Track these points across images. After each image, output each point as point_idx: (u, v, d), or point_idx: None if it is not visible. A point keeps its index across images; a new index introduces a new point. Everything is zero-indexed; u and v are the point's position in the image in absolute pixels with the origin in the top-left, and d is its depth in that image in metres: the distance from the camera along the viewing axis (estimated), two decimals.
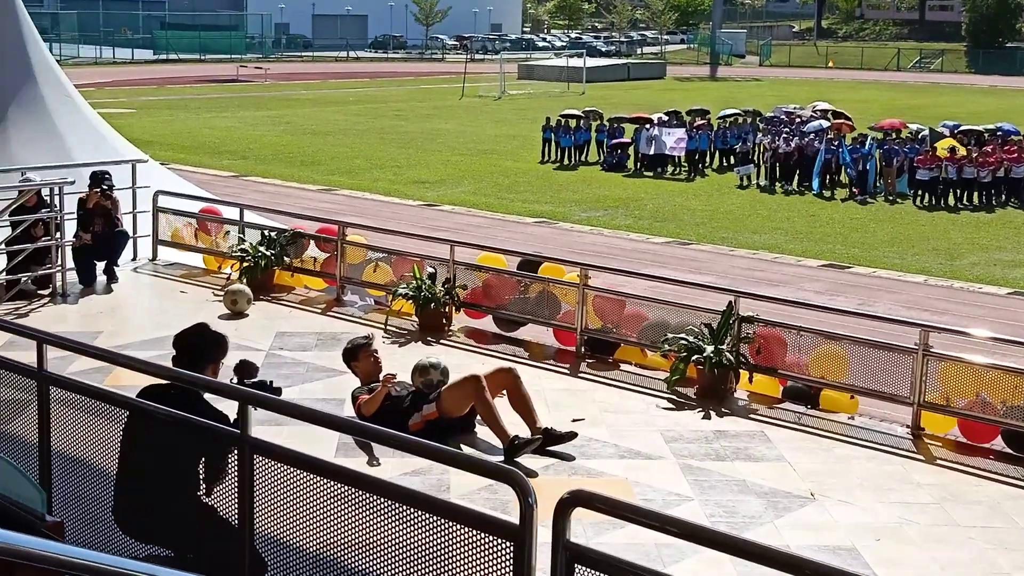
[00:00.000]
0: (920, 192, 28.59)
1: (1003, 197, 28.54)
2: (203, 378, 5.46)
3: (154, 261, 14.12)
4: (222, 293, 12.38)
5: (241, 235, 13.39)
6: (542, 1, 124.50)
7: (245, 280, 12.74)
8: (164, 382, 5.48)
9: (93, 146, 15.41)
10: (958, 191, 28.27)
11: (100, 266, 13.02)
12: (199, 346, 5.68)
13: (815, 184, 29.39)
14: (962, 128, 34.52)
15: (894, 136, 31.89)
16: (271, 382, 6.13)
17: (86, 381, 6.05)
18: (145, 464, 5.21)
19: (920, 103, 55.53)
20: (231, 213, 14.12)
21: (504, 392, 8.61)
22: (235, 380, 6.03)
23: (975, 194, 28.20)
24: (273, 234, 13.17)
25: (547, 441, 8.36)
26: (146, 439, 5.22)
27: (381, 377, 8.57)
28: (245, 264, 12.91)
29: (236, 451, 4.85)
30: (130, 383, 8.09)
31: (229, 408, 5.15)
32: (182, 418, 5.11)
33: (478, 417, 8.46)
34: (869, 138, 31.22)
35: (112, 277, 13.01)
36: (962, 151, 29.12)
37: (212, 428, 5.02)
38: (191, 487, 5.08)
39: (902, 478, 8.20)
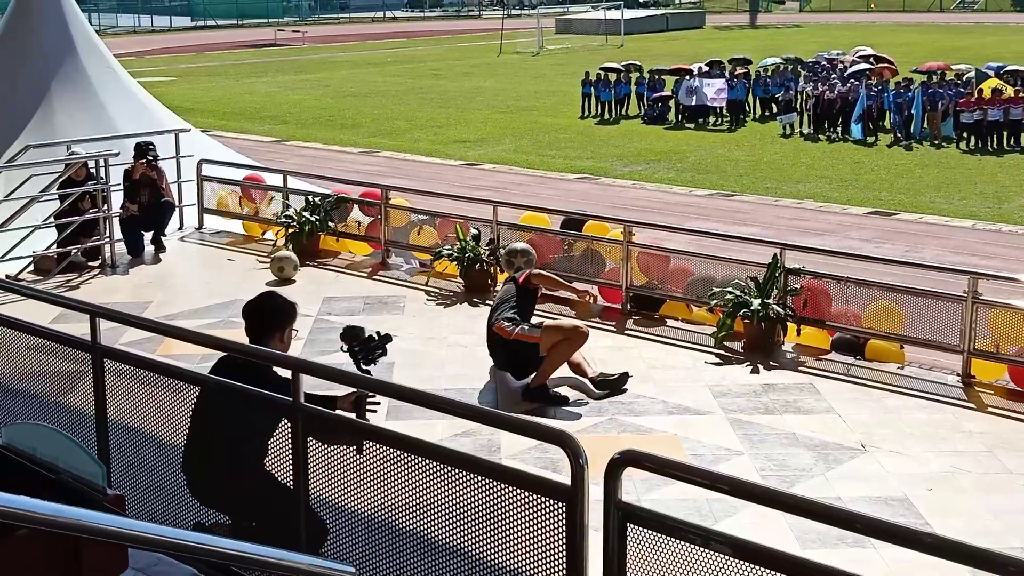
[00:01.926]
0: (966, 135, 28.21)
1: None
2: (256, 348, 5.51)
3: (200, 230, 14.25)
4: (268, 260, 12.48)
5: (286, 201, 13.47)
6: None
7: (291, 246, 12.83)
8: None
9: (135, 116, 15.54)
10: (1005, 133, 27.85)
11: (147, 236, 13.17)
12: (264, 314, 5.71)
13: (855, 131, 29.07)
14: (1008, 68, 33.95)
15: (938, 78, 31.43)
16: (379, 334, 6.04)
17: (138, 352, 6.14)
18: (205, 433, 5.30)
19: (965, 44, 54.60)
20: (274, 179, 14.20)
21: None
22: (344, 348, 6.02)
23: (1022, 135, 27.78)
24: (317, 199, 13.24)
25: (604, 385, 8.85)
26: (205, 409, 5.30)
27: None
28: (291, 230, 12.99)
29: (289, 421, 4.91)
30: (181, 352, 8.22)
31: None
32: (234, 387, 5.17)
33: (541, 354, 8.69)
34: (914, 82, 30.80)
35: (160, 247, 13.16)
36: (1009, 91, 28.65)
37: (264, 397, 5.08)
38: (251, 456, 5.15)
39: (953, 427, 8.17)
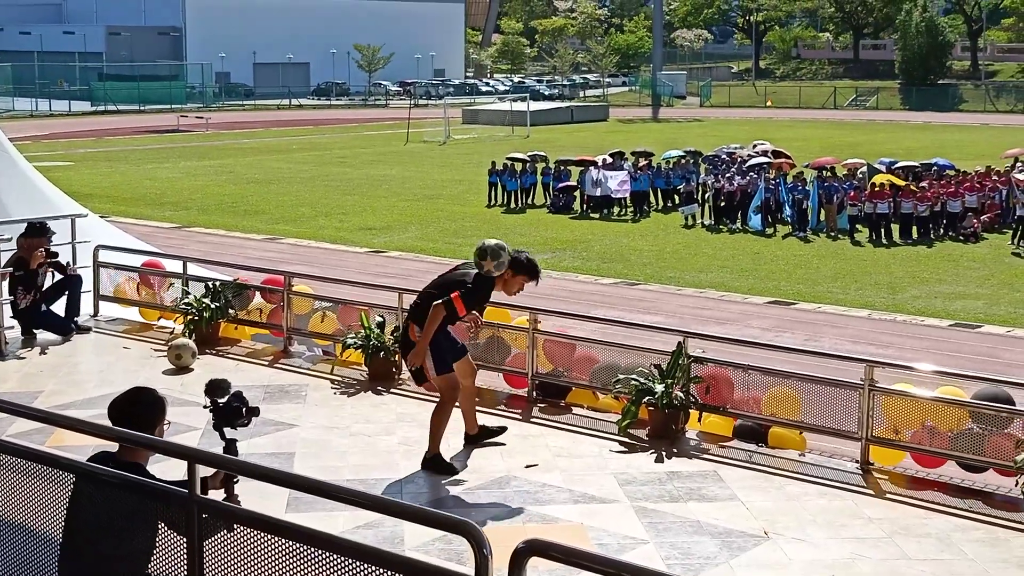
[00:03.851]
0: (860, 228, 29.00)
1: (940, 231, 29.01)
2: (148, 437, 5.32)
3: (95, 317, 13.92)
4: (166, 348, 12.23)
5: (185, 288, 13.26)
6: (484, 46, 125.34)
7: (189, 334, 12.60)
8: (111, 449, 5.28)
9: (29, 200, 15.20)
10: (897, 226, 28.69)
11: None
12: (134, 414, 5.37)
13: (755, 222, 29.72)
14: (899, 164, 35.13)
15: (830, 172, 32.37)
16: (246, 403, 5.75)
17: (26, 444, 5.92)
18: (87, 530, 5.04)
19: (857, 140, 56.46)
20: (174, 266, 13.98)
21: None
22: (208, 404, 5.76)
23: (913, 228, 28.64)
24: (217, 286, 13.05)
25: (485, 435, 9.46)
26: (89, 503, 5.06)
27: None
28: (190, 317, 12.77)
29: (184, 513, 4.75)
30: (74, 444, 7.96)
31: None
32: (126, 479, 4.99)
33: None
34: (810, 176, 31.67)
35: (79, 328, 12.94)
36: (900, 185, 29.61)
37: (159, 488, 4.92)
38: (139, 554, 4.93)
39: (853, 513, 8.24)
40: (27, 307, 12.63)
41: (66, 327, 12.85)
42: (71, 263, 13.02)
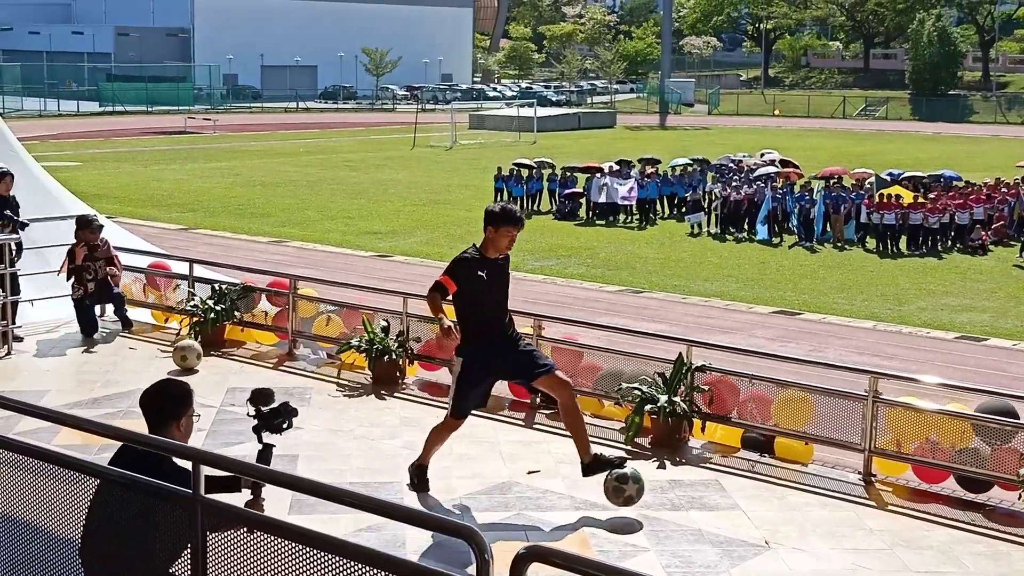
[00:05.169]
0: (868, 238, 29.00)
1: (948, 243, 29.00)
2: (153, 438, 5.36)
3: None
4: (171, 349, 12.26)
5: (191, 290, 13.29)
6: (492, 51, 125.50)
7: (195, 335, 12.63)
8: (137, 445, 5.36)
9: (38, 201, 15.23)
10: (904, 237, 28.69)
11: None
12: (157, 403, 5.54)
13: (761, 231, 29.73)
14: (906, 175, 35.13)
15: (838, 183, 32.38)
16: (287, 404, 5.96)
17: (32, 442, 5.95)
18: (100, 530, 5.09)
19: (866, 150, 56.43)
20: (180, 267, 14.02)
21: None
22: (251, 411, 5.91)
23: (920, 240, 28.63)
24: (223, 288, 13.08)
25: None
26: (100, 502, 5.10)
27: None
28: (195, 319, 12.80)
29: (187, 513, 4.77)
30: (80, 442, 8.00)
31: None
32: (131, 479, 5.02)
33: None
34: (817, 186, 31.68)
35: (126, 322, 13.19)
36: (908, 197, 29.60)
37: (162, 488, 4.94)
38: (150, 553, 4.96)
39: (855, 524, 8.24)
40: (79, 299, 12.98)
41: (92, 328, 13.04)
42: (117, 274, 13.20)
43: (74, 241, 13.01)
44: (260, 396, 5.94)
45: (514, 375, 8.90)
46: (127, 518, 5.03)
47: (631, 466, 8.28)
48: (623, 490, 8.09)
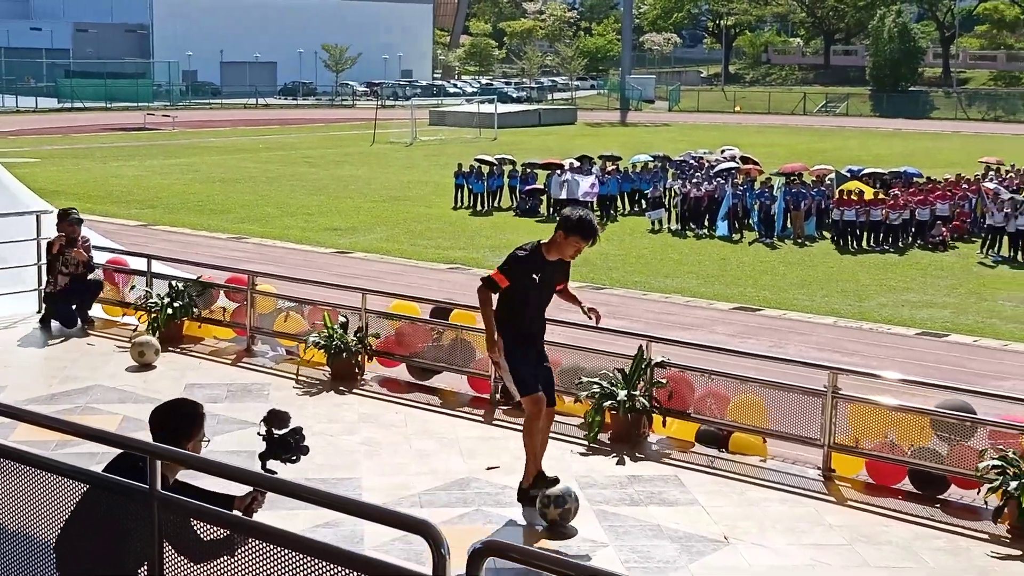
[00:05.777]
0: (827, 235, 29.20)
1: (909, 239, 29.23)
2: (110, 433, 5.27)
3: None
4: (129, 344, 12.13)
5: (148, 286, 13.17)
6: (452, 47, 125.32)
7: (153, 331, 12.51)
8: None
9: None
10: (865, 233, 28.89)
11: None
12: (173, 424, 5.38)
13: (721, 228, 29.86)
14: (867, 171, 35.37)
15: (798, 179, 32.57)
16: (301, 436, 5.77)
17: None
18: (70, 528, 4.98)
19: (826, 147, 56.79)
20: (139, 263, 13.88)
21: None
22: (264, 432, 5.78)
23: (881, 236, 28.84)
24: (181, 284, 12.97)
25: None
26: (76, 502, 5.00)
27: None
28: (153, 315, 12.68)
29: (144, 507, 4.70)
30: (37, 439, 7.88)
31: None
32: (92, 476, 4.93)
33: None
34: (777, 183, 31.85)
35: (87, 321, 13.11)
36: (869, 193, 29.83)
37: (120, 484, 4.87)
38: (117, 552, 4.87)
39: (814, 520, 8.27)
40: (50, 292, 12.94)
41: (71, 320, 12.98)
42: (92, 266, 13.11)
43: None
44: (275, 418, 5.80)
45: None
46: (97, 516, 4.95)
47: (561, 487, 8.04)
48: (546, 513, 7.91)
